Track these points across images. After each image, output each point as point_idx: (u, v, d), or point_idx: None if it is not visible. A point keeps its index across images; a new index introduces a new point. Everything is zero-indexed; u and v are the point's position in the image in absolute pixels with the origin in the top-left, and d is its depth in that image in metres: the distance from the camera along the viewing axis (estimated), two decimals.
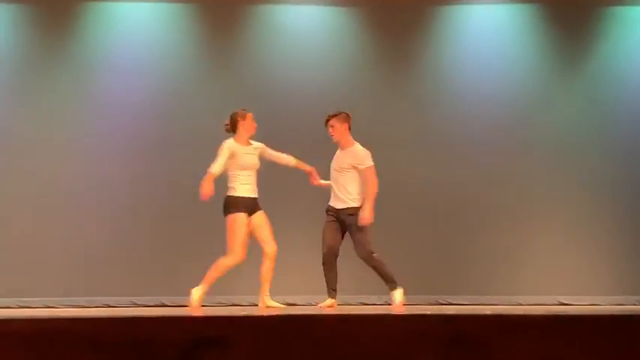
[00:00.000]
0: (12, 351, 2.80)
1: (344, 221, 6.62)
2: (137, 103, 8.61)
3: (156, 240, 8.43)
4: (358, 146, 6.74)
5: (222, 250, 8.34)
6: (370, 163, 6.64)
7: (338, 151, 6.83)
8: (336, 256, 6.66)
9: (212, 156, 8.46)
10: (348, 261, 8.47)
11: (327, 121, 6.72)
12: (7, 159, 8.35)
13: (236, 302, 8.08)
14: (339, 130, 6.67)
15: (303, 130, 8.61)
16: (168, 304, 8.08)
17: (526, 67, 8.94)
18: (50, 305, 7.86)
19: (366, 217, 6.49)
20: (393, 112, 8.77)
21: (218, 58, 8.77)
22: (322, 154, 8.64)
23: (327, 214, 6.74)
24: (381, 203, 8.60)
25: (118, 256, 8.34)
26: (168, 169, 8.56)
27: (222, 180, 8.34)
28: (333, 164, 6.81)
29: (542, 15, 8.95)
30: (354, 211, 6.54)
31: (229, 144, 6.64)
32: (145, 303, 8.06)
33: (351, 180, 6.63)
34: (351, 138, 6.75)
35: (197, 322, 3.01)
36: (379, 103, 8.79)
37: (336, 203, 6.69)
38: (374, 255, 6.62)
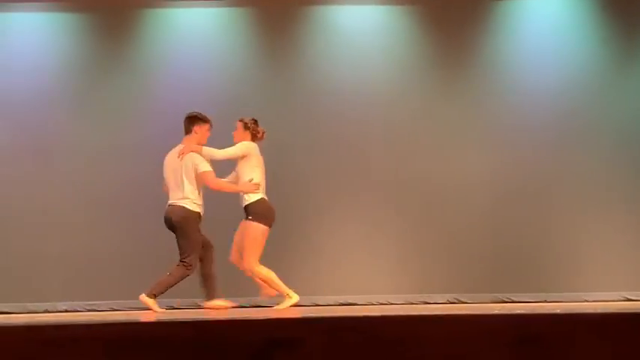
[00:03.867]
0: (85, 356, 2.84)
1: None
2: (195, 107, 8.69)
3: (216, 242, 8.49)
4: None
5: (284, 252, 8.43)
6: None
7: None
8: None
9: (268, 158, 8.55)
10: (411, 260, 8.48)
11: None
12: (68, 162, 8.49)
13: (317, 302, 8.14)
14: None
15: (357, 130, 8.62)
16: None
17: (585, 59, 8.76)
18: (115, 308, 7.98)
19: None
20: (450, 110, 8.70)
21: (273, 60, 8.79)
22: (377, 154, 8.66)
23: None
24: (440, 202, 8.58)
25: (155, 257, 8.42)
26: (226, 172, 8.63)
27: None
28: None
29: (599, 6, 8.81)
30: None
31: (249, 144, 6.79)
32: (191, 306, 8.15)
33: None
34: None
35: (268, 323, 3.03)
36: (436, 101, 8.73)
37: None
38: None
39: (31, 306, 7.99)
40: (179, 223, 6.54)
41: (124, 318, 4.01)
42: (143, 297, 6.41)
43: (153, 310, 6.35)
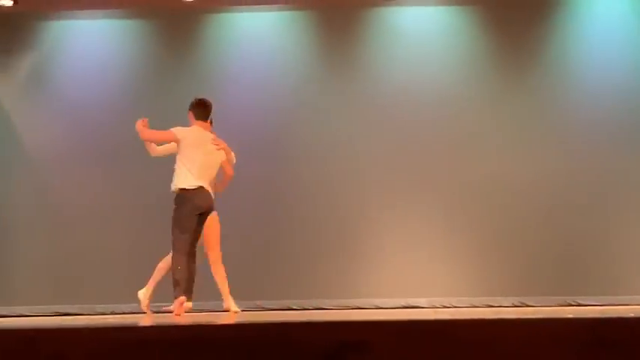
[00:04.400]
0: (151, 358, 2.85)
1: None
2: (260, 111, 8.73)
3: (282, 244, 8.51)
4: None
5: (347, 255, 8.41)
6: None
7: None
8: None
9: (330, 159, 8.54)
10: (473, 262, 8.39)
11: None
12: (135, 165, 8.55)
13: (379, 305, 8.13)
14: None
15: (420, 131, 8.57)
16: (295, 307, 8.18)
17: None
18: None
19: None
20: (515, 111, 8.61)
21: (335, 62, 8.81)
22: (441, 155, 8.58)
23: None
24: (505, 203, 8.47)
25: (245, 258, 8.47)
26: (293, 175, 8.63)
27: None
28: None
29: None
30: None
31: None
32: (272, 307, 8.17)
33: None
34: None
35: (339, 326, 3.02)
36: (500, 102, 8.64)
37: None
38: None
39: (98, 308, 8.11)
40: (211, 212, 6.35)
41: (191, 320, 4.04)
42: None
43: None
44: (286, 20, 8.89)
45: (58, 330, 3.07)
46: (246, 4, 8.76)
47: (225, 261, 8.30)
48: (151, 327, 2.98)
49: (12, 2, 8.41)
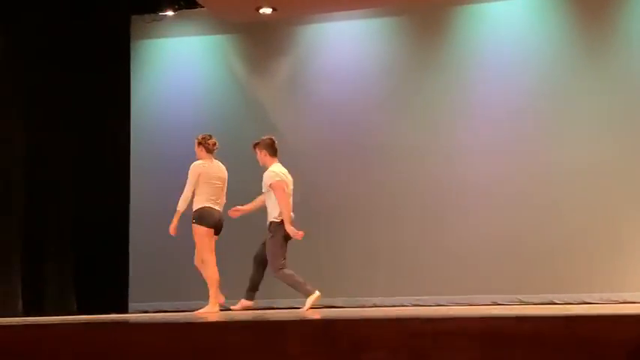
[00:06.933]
0: (458, 348, 2.88)
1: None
2: (514, 102, 8.54)
3: (539, 235, 8.32)
4: (270, 168, 6.74)
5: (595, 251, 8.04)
6: (273, 181, 6.62)
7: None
8: (263, 263, 6.65)
9: (588, 148, 8.19)
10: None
11: (254, 147, 6.85)
12: (395, 161, 8.72)
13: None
14: (259, 156, 6.81)
15: None
16: (557, 302, 7.98)
17: None
18: (441, 304, 8.00)
19: (289, 231, 6.50)
20: None
21: (590, 50, 8.42)
22: None
23: None
24: None
25: (502, 253, 8.36)
26: (548, 166, 8.41)
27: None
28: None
29: None
30: (270, 226, 6.60)
31: None
32: (532, 301, 8.03)
33: (268, 198, 6.68)
34: (269, 160, 6.77)
35: None
36: None
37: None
38: (282, 270, 6.50)
39: (361, 300, 8.38)
40: None
41: (481, 312, 4.06)
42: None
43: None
44: (537, 6, 8.65)
45: (359, 320, 3.17)
46: None
47: (483, 256, 8.26)
48: (448, 319, 3.02)
49: (271, 10, 8.86)
